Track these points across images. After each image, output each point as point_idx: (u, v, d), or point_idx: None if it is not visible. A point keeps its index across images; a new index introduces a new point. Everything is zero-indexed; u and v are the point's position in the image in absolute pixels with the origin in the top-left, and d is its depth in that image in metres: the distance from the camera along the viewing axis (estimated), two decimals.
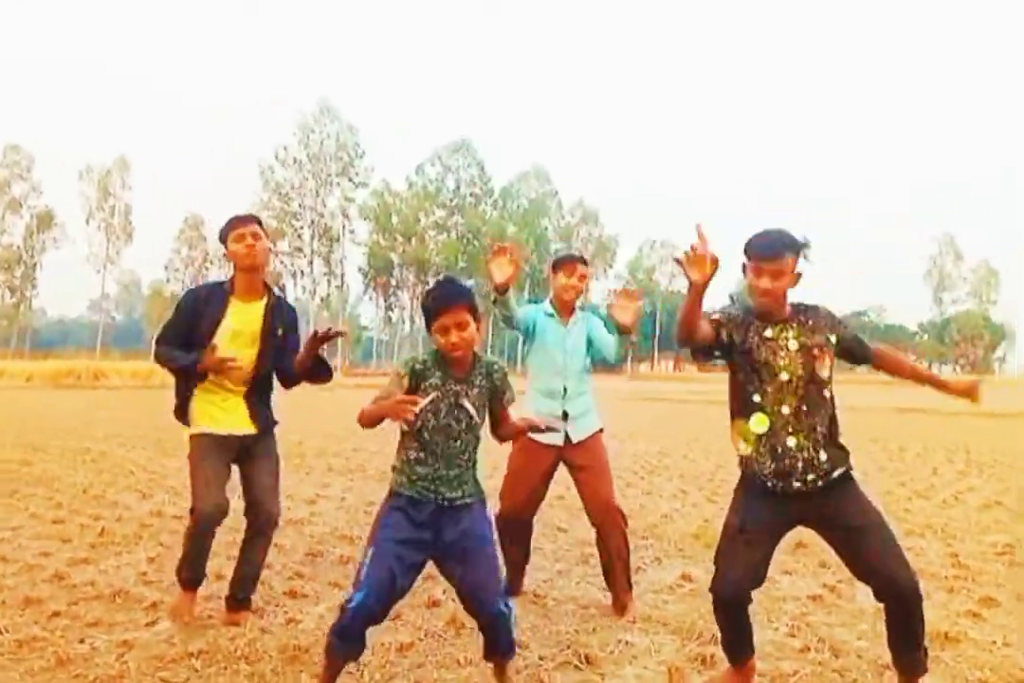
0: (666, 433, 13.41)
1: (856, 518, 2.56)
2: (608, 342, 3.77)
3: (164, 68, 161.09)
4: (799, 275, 2.60)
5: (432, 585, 3.95)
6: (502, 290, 3.42)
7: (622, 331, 3.62)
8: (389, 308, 65.72)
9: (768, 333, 2.62)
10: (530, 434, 3.39)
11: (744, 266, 2.63)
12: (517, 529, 3.77)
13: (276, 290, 3.64)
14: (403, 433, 2.60)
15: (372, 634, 2.52)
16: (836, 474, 2.59)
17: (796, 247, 2.58)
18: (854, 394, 31.61)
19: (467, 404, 2.54)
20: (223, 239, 3.43)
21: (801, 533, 5.23)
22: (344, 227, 59.16)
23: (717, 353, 2.70)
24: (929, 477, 8.31)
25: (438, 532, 2.51)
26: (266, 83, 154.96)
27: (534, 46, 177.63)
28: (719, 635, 2.82)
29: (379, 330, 71.61)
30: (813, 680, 2.89)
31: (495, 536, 2.71)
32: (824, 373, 2.59)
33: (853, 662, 3.06)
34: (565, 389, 3.70)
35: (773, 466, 2.58)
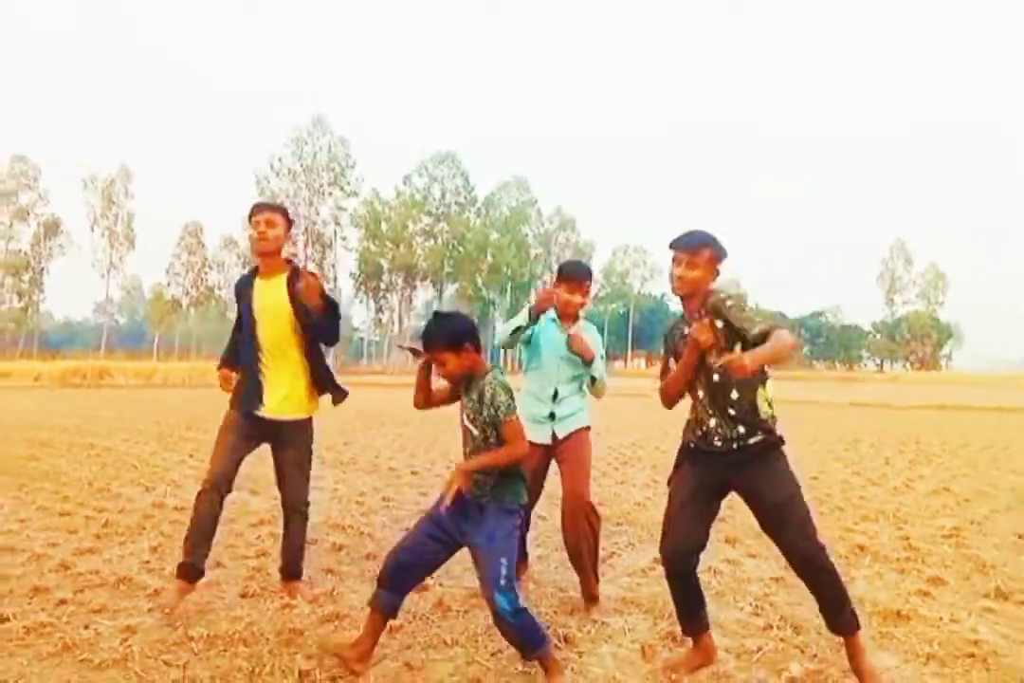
0: (639, 426, 13.45)
1: (771, 492, 2.62)
2: (598, 363, 3.70)
3: (165, 83, 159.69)
4: (717, 272, 2.75)
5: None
6: (536, 317, 3.49)
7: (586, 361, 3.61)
8: (379, 310, 65.48)
9: (687, 330, 2.75)
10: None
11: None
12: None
13: (296, 262, 3.60)
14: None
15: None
16: (752, 440, 2.64)
17: (713, 245, 2.72)
18: (813, 389, 31.85)
19: (464, 417, 2.71)
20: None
21: None
22: (336, 234, 58.97)
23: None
24: (882, 466, 8.39)
25: (459, 524, 2.67)
26: (261, 98, 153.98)
27: (517, 63, 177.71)
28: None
29: (369, 331, 71.25)
30: (776, 656, 2.91)
31: (511, 540, 2.62)
32: (711, 360, 2.65)
33: (813, 638, 3.09)
34: (556, 392, 3.64)
35: (703, 438, 2.73)
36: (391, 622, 3.10)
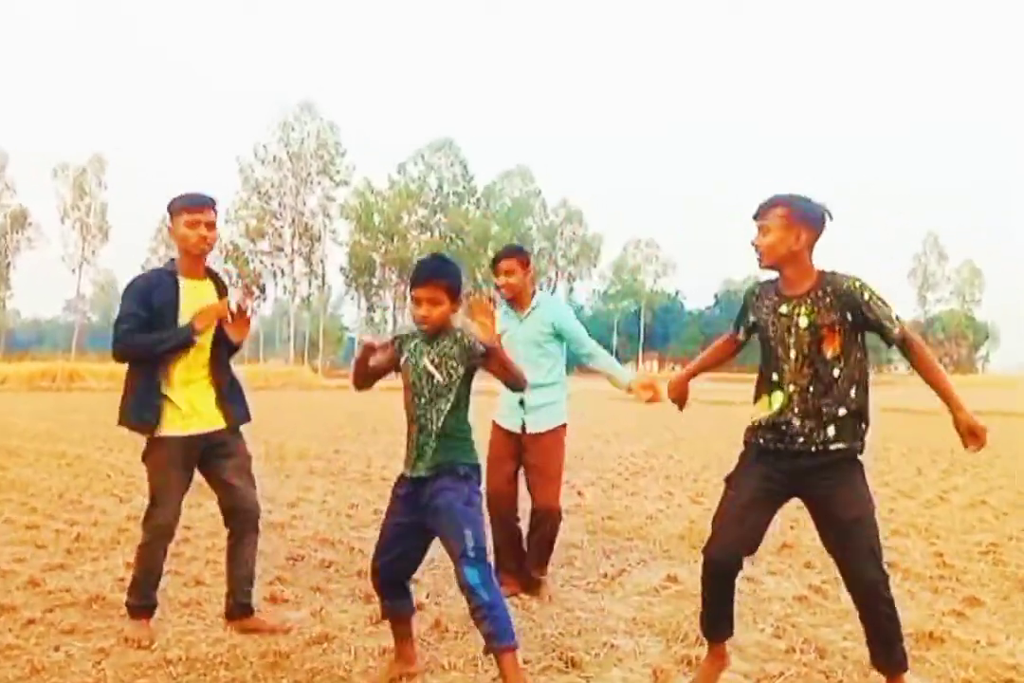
0: (651, 433, 13.45)
1: (845, 509, 2.55)
2: (578, 337, 3.93)
3: (141, 64, 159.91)
4: (800, 233, 2.56)
5: (416, 589, 3.95)
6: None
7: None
8: (371, 309, 65.51)
9: (783, 309, 2.62)
10: (494, 419, 3.97)
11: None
12: (497, 506, 3.90)
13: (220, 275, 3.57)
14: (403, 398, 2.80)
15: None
16: (833, 447, 2.55)
17: (789, 203, 2.56)
18: None
19: (426, 362, 2.70)
20: (172, 214, 3.27)
21: (785, 534, 5.28)
22: (325, 226, 58.95)
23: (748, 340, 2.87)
24: (914, 477, 8.38)
25: (418, 505, 2.70)
26: (246, 79, 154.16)
27: (518, 43, 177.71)
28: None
29: (361, 331, 71.28)
30: (799, 681, 2.90)
31: (472, 507, 2.67)
32: (829, 353, 2.55)
33: (839, 663, 3.08)
34: None
35: (775, 438, 2.62)
36: (384, 645, 3.13)
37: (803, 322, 2.57)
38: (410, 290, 2.71)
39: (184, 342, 3.21)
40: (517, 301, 3.98)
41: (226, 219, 57.08)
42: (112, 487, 6.93)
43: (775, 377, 2.64)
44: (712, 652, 2.82)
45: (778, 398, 2.63)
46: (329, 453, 9.62)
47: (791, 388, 2.59)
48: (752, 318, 2.76)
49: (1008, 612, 3.77)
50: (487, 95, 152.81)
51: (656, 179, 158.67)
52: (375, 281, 63.89)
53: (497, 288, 4.00)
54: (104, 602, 3.69)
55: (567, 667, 2.99)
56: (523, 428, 3.90)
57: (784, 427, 2.60)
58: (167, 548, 3.32)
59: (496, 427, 4.04)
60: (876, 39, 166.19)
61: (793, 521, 5.77)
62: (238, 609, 3.38)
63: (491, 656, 2.54)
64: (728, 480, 2.78)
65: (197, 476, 3.37)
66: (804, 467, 2.59)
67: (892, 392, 36.64)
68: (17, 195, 57.02)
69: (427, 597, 3.80)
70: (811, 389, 2.57)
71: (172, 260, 3.41)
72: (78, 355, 47.87)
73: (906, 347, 2.60)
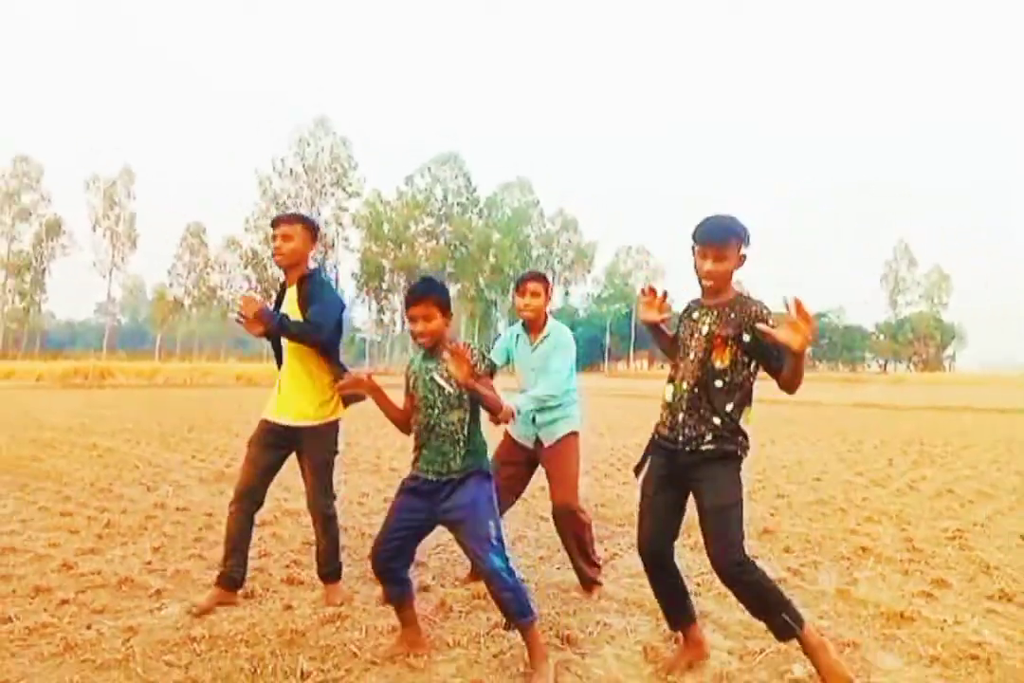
0: (642, 427, 13.43)
1: (710, 497, 2.61)
2: (554, 369, 3.68)
3: (166, 83, 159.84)
4: (743, 258, 2.66)
5: (422, 571, 3.95)
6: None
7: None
8: (381, 311, 65.55)
9: (695, 315, 2.72)
10: (507, 428, 3.77)
11: (693, 249, 2.69)
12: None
13: (313, 265, 3.60)
14: (414, 411, 2.86)
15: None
16: (705, 448, 2.61)
17: (741, 234, 2.64)
18: (816, 390, 31.79)
19: (436, 376, 2.77)
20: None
21: (766, 520, 5.28)
22: (338, 234, 59.08)
23: None
24: (885, 467, 8.38)
25: (433, 503, 2.75)
26: (265, 98, 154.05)
27: (519, 64, 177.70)
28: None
29: (371, 332, 71.30)
30: (779, 658, 2.90)
31: (493, 503, 2.78)
32: (719, 364, 2.61)
33: None
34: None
35: (667, 432, 2.72)
36: (393, 623, 3.13)
37: (704, 330, 2.66)
38: (406, 312, 2.78)
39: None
40: (533, 324, 3.82)
41: (245, 228, 57.21)
42: (140, 477, 6.93)
43: (672, 371, 2.76)
44: (686, 640, 2.83)
45: (672, 390, 2.73)
46: (340, 445, 9.61)
47: (683, 385, 2.68)
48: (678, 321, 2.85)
49: (973, 593, 3.77)
50: (490, 111, 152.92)
51: (648, 190, 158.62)
52: (384, 285, 63.94)
53: (518, 309, 3.82)
54: (133, 584, 3.69)
55: (563, 644, 3.00)
56: (537, 442, 3.78)
57: (673, 419, 2.69)
58: (242, 516, 3.42)
59: (508, 436, 3.89)
60: (876, 42, 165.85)
61: (773, 508, 5.78)
62: (320, 575, 3.57)
63: (495, 633, 2.57)
64: (635, 472, 2.87)
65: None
66: (684, 463, 2.66)
67: (865, 389, 36.65)
68: (52, 205, 57.16)
69: (433, 579, 3.81)
70: (696, 390, 2.65)
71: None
72: (108, 354, 47.92)
73: (782, 376, 2.59)
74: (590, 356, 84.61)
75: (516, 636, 3.02)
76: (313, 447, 3.49)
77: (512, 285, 3.99)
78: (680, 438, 2.66)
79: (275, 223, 3.48)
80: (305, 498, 3.58)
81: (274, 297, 3.65)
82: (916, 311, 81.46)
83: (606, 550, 4.50)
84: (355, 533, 4.85)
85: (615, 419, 14.83)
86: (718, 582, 3.79)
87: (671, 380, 2.74)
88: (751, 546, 4.58)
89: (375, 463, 8.10)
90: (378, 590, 3.59)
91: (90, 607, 3.34)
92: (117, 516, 5.22)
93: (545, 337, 3.79)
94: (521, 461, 3.82)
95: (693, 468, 2.64)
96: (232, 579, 3.40)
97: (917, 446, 10.64)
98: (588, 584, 3.71)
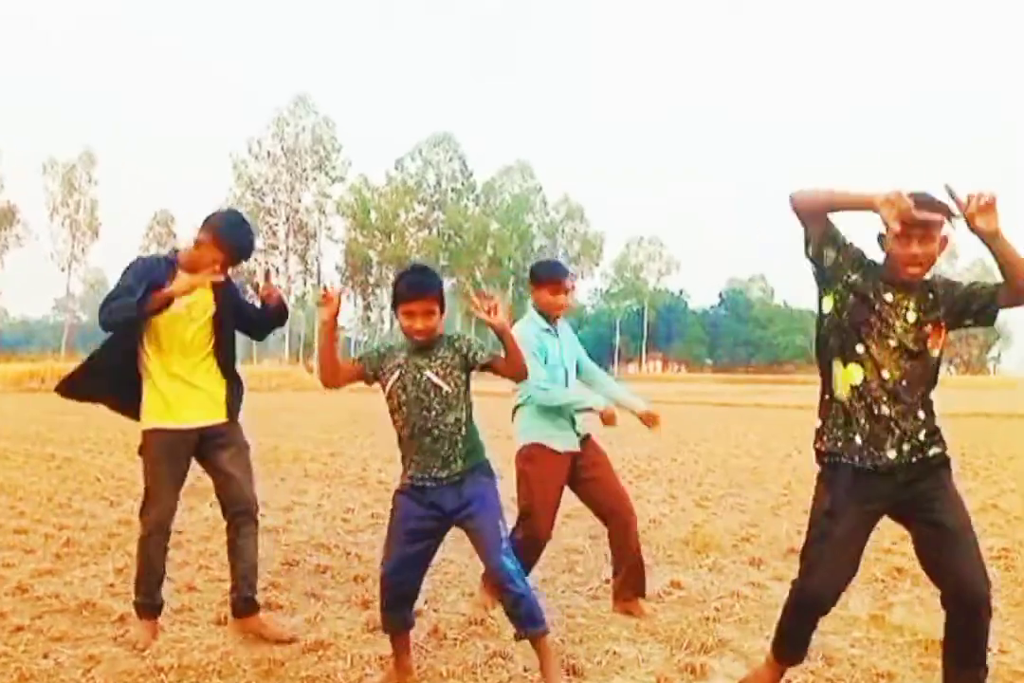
0: (654, 436, 13.42)
1: (946, 515, 2.48)
2: (595, 367, 4.01)
3: (131, 59, 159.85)
4: (946, 239, 2.48)
5: None
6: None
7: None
8: (367, 308, 65.49)
9: (888, 297, 2.52)
10: (540, 442, 3.63)
11: (881, 237, 2.54)
12: (537, 548, 3.74)
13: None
14: (391, 412, 2.84)
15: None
16: (932, 452, 2.51)
17: (946, 210, 2.41)
18: None
19: (431, 375, 2.77)
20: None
21: (792, 540, 5.28)
22: (320, 223, 59.00)
23: (815, 256, 2.58)
24: None
25: (441, 507, 2.79)
26: (240, 73, 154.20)
27: (517, 36, 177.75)
28: (708, 642, 2.84)
29: (357, 330, 71.31)
30: None
31: (499, 500, 2.84)
32: (935, 352, 2.52)
33: (846, 670, 3.08)
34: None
35: (868, 428, 2.50)
36: (381, 652, 3.13)
37: (911, 317, 2.50)
38: (400, 305, 2.75)
39: (164, 302, 3.13)
40: (554, 320, 3.80)
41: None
42: (102, 490, 6.93)
43: (860, 349, 2.52)
44: (768, 671, 2.78)
45: (860, 372, 2.52)
46: (324, 456, 9.63)
47: (883, 374, 2.49)
48: (852, 273, 2.54)
49: (1020, 619, 3.77)
50: (486, 89, 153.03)
51: (661, 174, 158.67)
52: (371, 280, 63.86)
53: (551, 306, 3.75)
54: (94, 608, 3.69)
55: (569, 675, 2.99)
56: (578, 442, 3.74)
57: (876, 412, 2.49)
58: (165, 544, 3.33)
59: (544, 452, 3.67)
60: (893, 17, 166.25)
61: (800, 526, 5.77)
62: (242, 604, 3.38)
63: (492, 663, 2.57)
64: (815, 501, 2.64)
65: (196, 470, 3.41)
66: (899, 471, 2.50)
67: None
68: (5, 191, 57.02)
69: (425, 603, 3.80)
70: (904, 381, 2.49)
71: (175, 251, 3.46)
72: (68, 355, 47.84)
73: (1004, 287, 2.46)
74: (598, 357, 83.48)
75: (516, 667, 3.03)
76: (237, 435, 3.43)
77: (528, 278, 3.89)
78: (896, 434, 2.48)
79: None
80: (232, 505, 3.39)
81: (147, 267, 3.36)
82: None
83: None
84: (339, 553, 4.85)
85: (625, 427, 14.82)
86: (738, 607, 3.81)
87: (856, 360, 2.51)
88: (775, 567, 4.60)
89: (361, 476, 8.11)
90: (366, 615, 3.59)
91: (47, 634, 3.34)
92: (77, 534, 5.22)
93: (561, 328, 3.85)
94: (567, 477, 3.75)
95: (915, 483, 2.50)
96: (158, 605, 3.35)
97: (958, 457, 10.63)
98: (636, 609, 3.71)
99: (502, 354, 2.81)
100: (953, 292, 2.53)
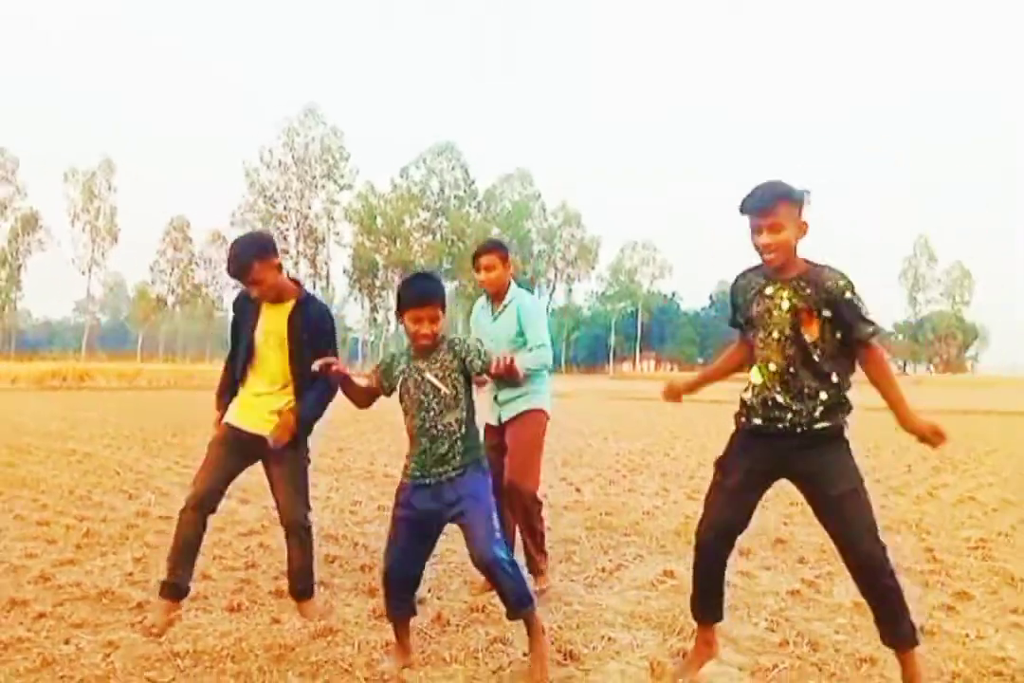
0: (648, 432, 13.44)
1: (834, 486, 2.56)
2: (534, 330, 3.84)
3: (150, 71, 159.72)
4: (805, 225, 2.53)
5: None
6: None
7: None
8: (374, 309, 65.55)
9: (768, 290, 2.62)
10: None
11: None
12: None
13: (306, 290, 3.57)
14: (402, 413, 2.89)
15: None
16: (820, 426, 2.57)
17: (791, 196, 2.52)
18: None
19: (431, 377, 2.79)
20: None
21: (779, 530, 5.29)
22: (329, 229, 59.19)
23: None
24: (904, 474, 8.39)
25: (439, 502, 2.80)
26: (252, 85, 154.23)
27: (519, 49, 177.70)
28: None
29: (364, 331, 71.32)
30: (792, 674, 2.90)
31: (491, 494, 2.87)
32: (808, 337, 2.55)
33: (831, 655, 3.08)
34: None
35: (762, 414, 2.64)
36: (387, 638, 3.13)
37: (784, 305, 2.58)
38: (405, 311, 2.77)
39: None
40: (496, 296, 3.96)
41: (231, 222, 57.19)
42: (121, 484, 6.94)
43: (758, 351, 2.67)
44: (700, 639, 2.84)
45: (757, 372, 2.67)
46: (333, 451, 9.62)
47: (773, 367, 2.62)
48: (744, 299, 2.71)
49: (997, 606, 3.77)
50: (489, 99, 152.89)
51: (660, 175, 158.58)
52: (378, 282, 63.97)
53: (480, 284, 3.97)
54: (113, 596, 3.69)
55: (565, 659, 2.99)
56: (499, 420, 3.92)
57: (770, 403, 2.62)
58: (199, 523, 3.33)
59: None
60: (897, 17, 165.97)
61: (786, 517, 5.77)
62: (295, 593, 3.53)
63: (494, 648, 2.58)
64: (716, 464, 2.81)
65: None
66: (791, 447, 2.61)
67: None
68: (28, 198, 57.14)
69: (429, 591, 3.80)
70: (790, 368, 2.59)
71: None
72: (88, 355, 47.96)
73: (864, 356, 2.63)
74: (594, 357, 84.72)
75: (516, 651, 3.03)
76: (293, 454, 3.47)
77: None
78: (786, 422, 2.59)
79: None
80: (279, 512, 3.51)
81: (236, 305, 3.58)
82: (937, 310, 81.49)
83: (610, 561, 4.50)
84: (347, 543, 4.85)
85: (620, 423, 14.85)
86: (727, 595, 3.79)
87: (756, 361, 2.67)
88: (763, 557, 4.60)
89: (368, 469, 8.10)
90: (372, 602, 3.59)
91: (68, 621, 3.34)
92: (97, 525, 5.22)
93: (506, 304, 3.89)
94: (492, 446, 3.80)
95: (804, 453, 2.59)
96: (181, 589, 3.34)
97: (937, 452, 10.64)
98: (536, 573, 3.87)
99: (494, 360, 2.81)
100: (840, 306, 2.52)
